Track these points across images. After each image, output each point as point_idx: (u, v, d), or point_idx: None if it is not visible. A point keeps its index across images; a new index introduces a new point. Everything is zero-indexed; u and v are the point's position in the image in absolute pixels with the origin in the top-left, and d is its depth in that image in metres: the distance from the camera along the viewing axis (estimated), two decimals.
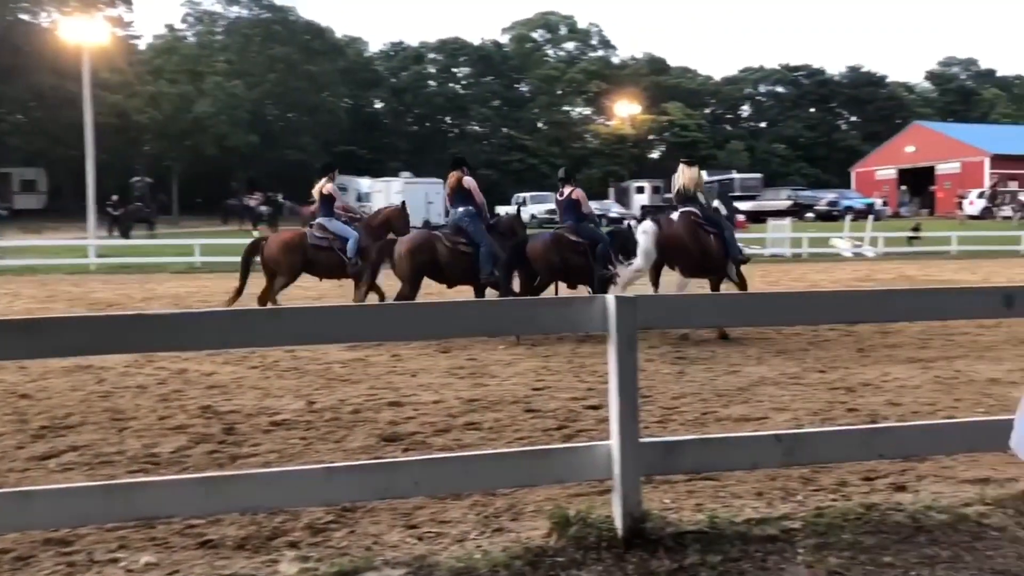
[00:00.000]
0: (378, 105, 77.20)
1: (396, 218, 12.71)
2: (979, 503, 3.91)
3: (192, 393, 7.21)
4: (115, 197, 38.94)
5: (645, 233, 10.84)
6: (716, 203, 11.76)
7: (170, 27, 66.01)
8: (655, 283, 11.08)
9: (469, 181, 11.30)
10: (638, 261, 10.81)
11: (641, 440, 3.36)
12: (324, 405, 6.72)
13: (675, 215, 11.14)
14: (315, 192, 12.67)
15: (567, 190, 11.42)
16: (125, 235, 36.25)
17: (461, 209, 11.23)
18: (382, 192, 46.15)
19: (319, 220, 12.35)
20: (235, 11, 67.74)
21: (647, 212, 12.43)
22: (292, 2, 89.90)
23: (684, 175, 11.62)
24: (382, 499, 3.73)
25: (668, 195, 52.22)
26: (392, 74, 76.24)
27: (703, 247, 10.76)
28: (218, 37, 68.74)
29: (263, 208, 39.48)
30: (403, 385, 7.45)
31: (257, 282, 12.41)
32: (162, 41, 63.13)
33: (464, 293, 11.67)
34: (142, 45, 63.30)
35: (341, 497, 3.40)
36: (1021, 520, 3.76)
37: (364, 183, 55.22)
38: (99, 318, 3.45)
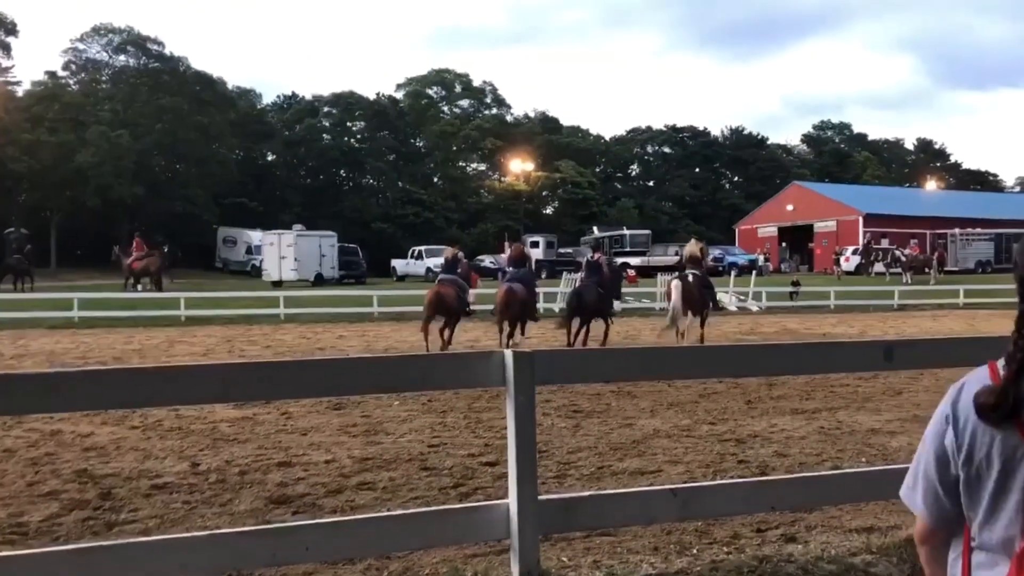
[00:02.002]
0: (271, 157, 76.18)
1: None
2: (865, 552, 4.01)
3: (66, 456, 6.80)
4: None
5: (676, 289, 15.70)
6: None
7: (52, 74, 63.54)
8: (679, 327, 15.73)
9: (530, 251, 16.64)
10: (675, 306, 15.65)
11: (540, 498, 3.32)
12: (209, 466, 6.43)
13: (690, 276, 15.78)
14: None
15: (595, 255, 18.04)
16: None
17: (524, 269, 16.87)
18: (274, 244, 45.16)
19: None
20: (122, 59, 66.04)
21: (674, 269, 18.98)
22: (183, 52, 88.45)
23: (692, 247, 16.91)
24: (271, 566, 3.56)
25: (563, 250, 53.32)
26: (286, 127, 75.46)
27: (702, 296, 15.81)
28: (103, 85, 66.78)
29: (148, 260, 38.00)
30: (293, 444, 7.21)
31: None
32: (42, 88, 60.72)
33: None
34: (20, 91, 60.80)
35: (227, 565, 3.22)
36: (903, 568, 3.87)
37: (255, 235, 54.14)
38: None
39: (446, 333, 16.35)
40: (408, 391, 5.38)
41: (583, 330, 16.27)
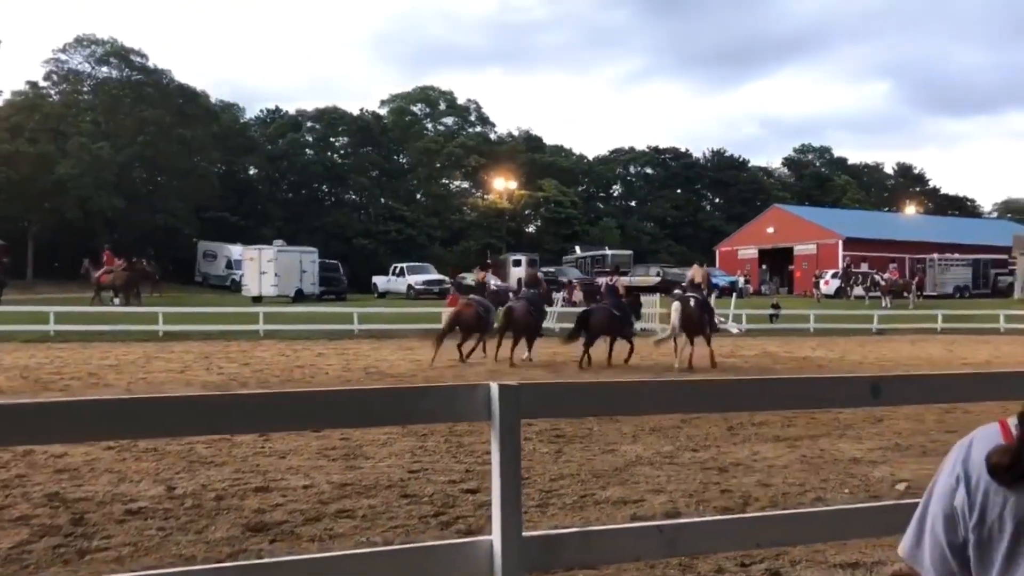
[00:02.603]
0: (253, 171, 75.93)
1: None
2: None
3: (37, 479, 6.66)
4: None
5: (676, 311, 16.98)
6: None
7: (33, 84, 63.07)
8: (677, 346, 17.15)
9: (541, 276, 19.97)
10: (674, 325, 17.10)
11: (524, 535, 3.25)
12: (185, 490, 6.32)
13: (691, 300, 17.11)
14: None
15: (613, 279, 19.15)
16: None
17: (533, 290, 19.13)
18: (254, 260, 44.85)
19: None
20: (104, 71, 65.66)
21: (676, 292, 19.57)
22: (166, 65, 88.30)
23: (696, 272, 18.77)
24: None
25: (545, 269, 53.35)
26: (268, 141, 75.28)
27: (701, 319, 17.12)
28: (84, 97, 66.34)
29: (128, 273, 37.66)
30: (271, 468, 7.10)
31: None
32: (23, 98, 60.22)
33: None
34: (0, 101, 60.32)
35: None
36: None
37: (235, 250, 53.81)
38: None
39: (464, 348, 18.17)
40: (392, 424, 5.29)
41: (608, 349, 17.63)
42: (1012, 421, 1.44)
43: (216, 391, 12.02)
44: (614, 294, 18.28)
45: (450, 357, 17.66)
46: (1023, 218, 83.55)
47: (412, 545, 3.34)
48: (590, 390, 3.59)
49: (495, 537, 3.21)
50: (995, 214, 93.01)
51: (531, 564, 3.32)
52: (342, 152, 78.68)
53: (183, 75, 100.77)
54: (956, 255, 55.26)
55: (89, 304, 32.17)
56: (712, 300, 18.64)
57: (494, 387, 3.22)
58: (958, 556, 1.45)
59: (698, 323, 17.05)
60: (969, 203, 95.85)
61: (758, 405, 4.32)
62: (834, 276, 51.30)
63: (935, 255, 54.75)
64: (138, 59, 64.85)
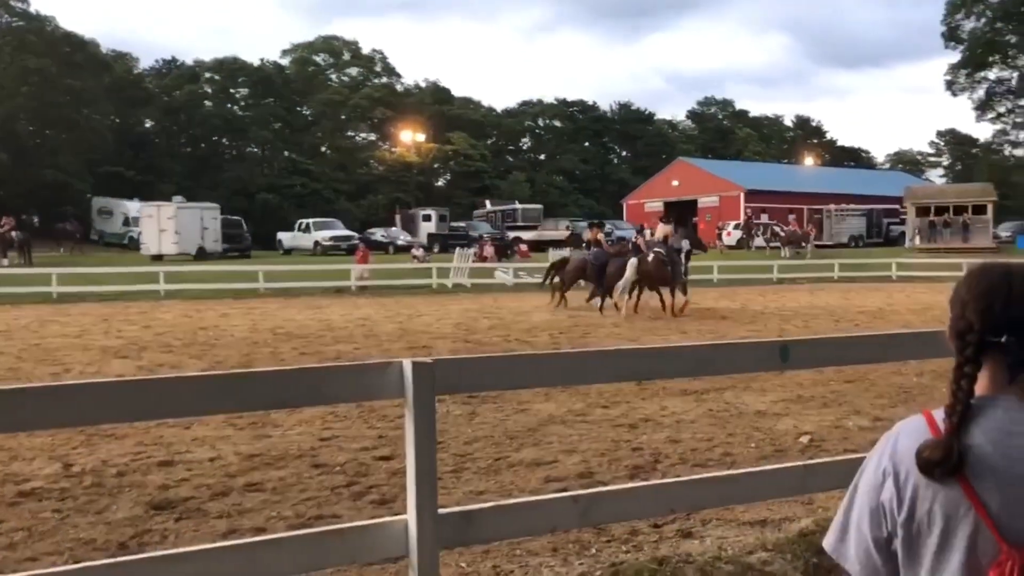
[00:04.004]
0: (149, 124, 72.91)
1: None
2: (761, 549, 4.07)
3: None
4: None
5: (631, 266, 18.02)
6: (684, 242, 19.29)
7: None
8: (630, 294, 18.41)
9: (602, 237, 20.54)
10: (626, 279, 18.02)
11: (440, 511, 3.20)
12: (84, 467, 6.06)
13: (650, 255, 18.06)
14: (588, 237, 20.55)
15: (637, 238, 20.86)
16: None
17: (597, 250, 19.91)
18: (153, 217, 43.24)
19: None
20: None
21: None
22: (50, 11, 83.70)
23: (660, 230, 19.62)
24: None
25: (455, 224, 53.05)
26: (164, 92, 72.29)
27: (660, 272, 18.00)
28: None
29: (14, 234, 35.97)
30: (175, 440, 6.86)
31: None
32: None
33: None
34: None
35: None
36: (798, 564, 3.94)
37: (133, 207, 51.80)
38: None
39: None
40: (300, 406, 5.15)
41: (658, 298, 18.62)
42: (938, 414, 1.44)
43: (114, 376, 11.62)
44: (638, 251, 19.01)
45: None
46: (914, 169, 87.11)
47: (325, 528, 3.26)
48: (505, 363, 3.54)
49: (410, 516, 3.15)
50: (888, 165, 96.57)
51: (446, 540, 3.28)
52: (243, 104, 76.23)
53: (69, 22, 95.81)
54: (851, 206, 57.27)
55: None
56: (683, 256, 18.89)
57: (407, 364, 3.14)
58: (883, 552, 1.45)
59: (656, 276, 18.05)
60: (864, 154, 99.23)
61: (668, 373, 4.35)
62: (736, 227, 52.58)
63: (832, 206, 56.63)
64: (18, 4, 61.22)
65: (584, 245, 21.13)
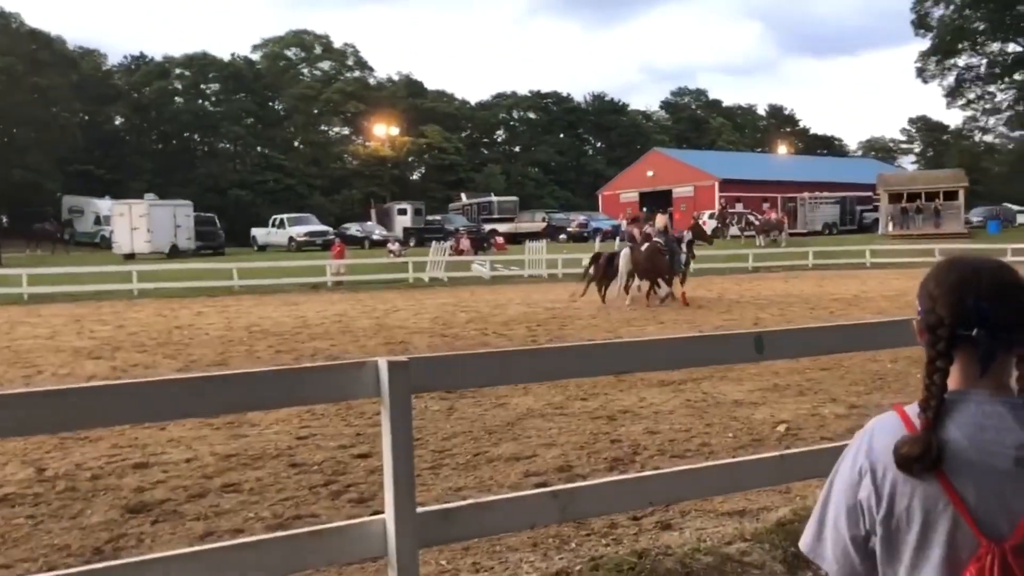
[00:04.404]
0: (118, 121, 72.07)
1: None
2: (739, 540, 4.08)
3: None
4: None
5: (624, 257, 18.54)
6: (686, 232, 19.71)
7: None
8: (627, 289, 18.61)
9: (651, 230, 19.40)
10: (621, 272, 18.50)
11: (418, 510, 3.18)
12: (57, 471, 5.98)
13: (644, 246, 18.29)
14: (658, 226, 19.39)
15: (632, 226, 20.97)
16: None
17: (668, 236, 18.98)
18: (125, 215, 42.73)
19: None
20: None
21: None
22: (15, 7, 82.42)
23: (658, 220, 19.64)
24: None
25: (431, 217, 52.86)
26: (133, 89, 71.42)
27: (654, 265, 18.19)
28: None
29: None
30: (150, 441, 6.79)
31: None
32: None
33: None
34: None
35: None
36: (776, 554, 3.96)
37: (104, 205, 51.19)
38: None
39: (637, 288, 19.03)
40: (276, 407, 5.10)
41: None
42: (911, 409, 1.44)
43: (84, 381, 11.49)
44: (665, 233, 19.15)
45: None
46: (886, 156, 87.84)
47: (304, 530, 3.23)
48: (480, 360, 3.52)
49: (388, 516, 3.13)
50: (860, 153, 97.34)
51: (426, 539, 3.26)
52: (213, 100, 75.48)
53: (35, 19, 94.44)
54: (825, 193, 57.64)
55: None
56: (683, 245, 18.93)
57: (382, 363, 3.11)
58: (861, 550, 1.45)
59: (647, 266, 18.24)
60: (837, 142, 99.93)
61: (647, 366, 4.36)
62: (711, 217, 52.78)
63: (805, 194, 56.96)
64: None
65: (626, 239, 20.35)
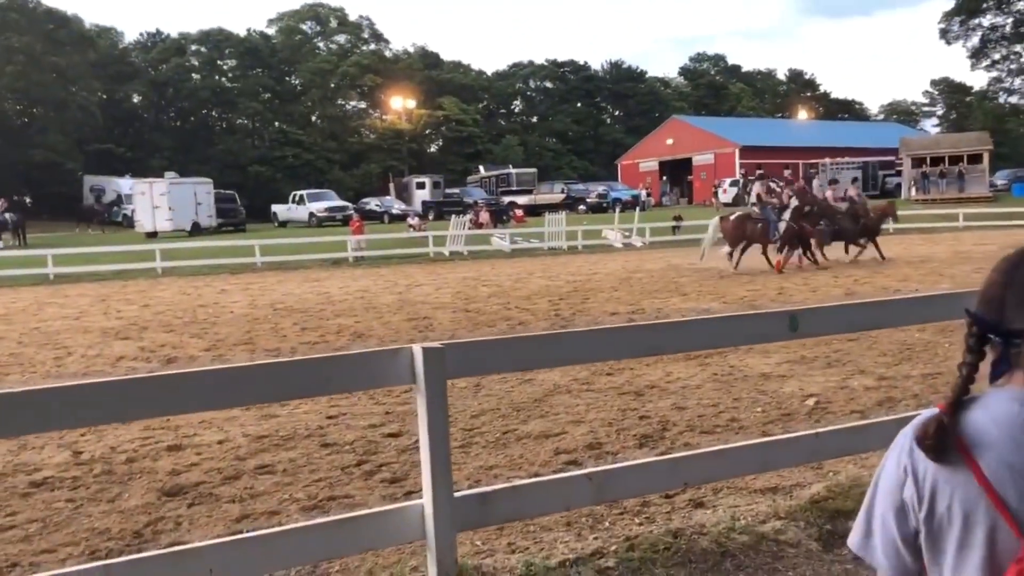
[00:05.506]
0: (136, 99, 72.26)
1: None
2: (774, 518, 4.08)
3: None
4: None
5: (712, 226, 19.78)
6: (792, 199, 18.93)
7: None
8: (730, 256, 19.05)
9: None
10: (708, 238, 20.05)
11: (456, 495, 3.21)
12: (93, 455, 6.06)
13: (737, 213, 19.32)
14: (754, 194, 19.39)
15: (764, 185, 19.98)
16: None
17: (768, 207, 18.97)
18: (145, 194, 42.95)
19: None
20: None
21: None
22: None
23: (755, 188, 19.59)
24: None
25: (449, 190, 52.79)
26: (151, 66, 71.55)
27: (742, 232, 18.71)
28: None
29: (7, 215, 35.77)
30: (182, 423, 6.86)
31: None
32: None
33: None
34: None
35: None
36: (811, 532, 3.96)
37: (125, 184, 51.44)
38: None
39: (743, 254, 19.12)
40: (313, 395, 5.13)
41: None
42: None
43: (113, 361, 11.60)
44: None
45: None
46: (908, 120, 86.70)
47: (343, 515, 3.27)
48: (514, 345, 3.53)
49: (426, 500, 3.16)
50: (882, 116, 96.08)
51: (464, 523, 3.30)
52: (230, 76, 75.49)
53: None
54: (847, 159, 57.02)
55: None
56: (787, 213, 18.51)
57: (417, 350, 3.12)
58: (910, 547, 1.44)
59: (734, 234, 18.74)
60: (858, 106, 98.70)
61: (681, 347, 4.35)
62: (732, 184, 52.39)
63: (827, 159, 56.36)
64: None
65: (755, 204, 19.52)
